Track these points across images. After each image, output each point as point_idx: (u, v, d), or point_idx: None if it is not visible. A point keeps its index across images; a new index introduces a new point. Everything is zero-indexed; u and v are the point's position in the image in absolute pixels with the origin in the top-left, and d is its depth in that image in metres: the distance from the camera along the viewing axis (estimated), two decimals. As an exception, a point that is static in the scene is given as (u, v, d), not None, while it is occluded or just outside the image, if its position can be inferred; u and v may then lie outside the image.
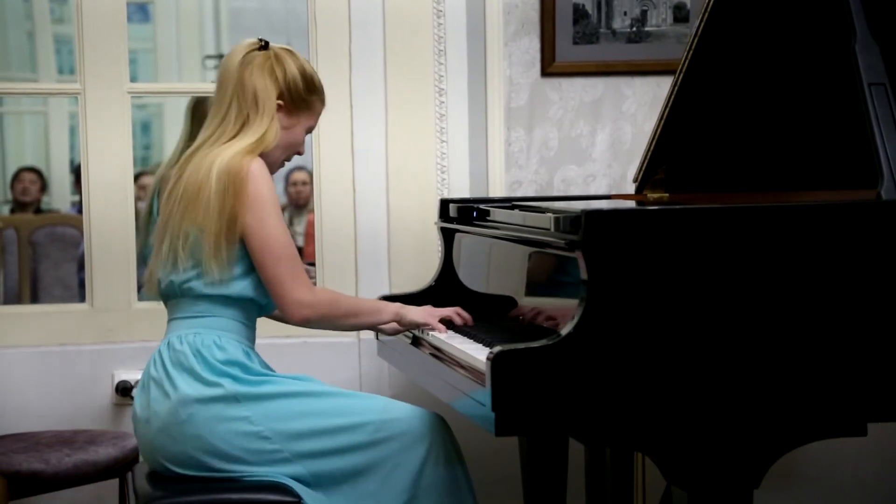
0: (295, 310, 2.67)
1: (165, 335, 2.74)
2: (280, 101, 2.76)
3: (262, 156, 2.72)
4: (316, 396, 2.68)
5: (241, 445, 2.62)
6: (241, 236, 2.65)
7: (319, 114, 2.86)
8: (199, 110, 3.53)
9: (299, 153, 2.87)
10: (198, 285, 2.68)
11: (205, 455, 2.62)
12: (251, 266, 2.68)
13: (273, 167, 2.80)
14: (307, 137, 2.89)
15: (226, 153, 2.66)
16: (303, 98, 2.79)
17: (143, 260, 3.69)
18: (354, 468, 2.64)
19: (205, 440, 2.61)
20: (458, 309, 2.89)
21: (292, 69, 2.77)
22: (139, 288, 3.70)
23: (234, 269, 2.67)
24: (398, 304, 2.86)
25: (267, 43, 2.79)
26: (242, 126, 2.71)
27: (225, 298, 2.69)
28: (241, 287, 2.69)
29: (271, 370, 2.77)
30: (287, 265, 2.65)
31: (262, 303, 2.74)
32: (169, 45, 9.11)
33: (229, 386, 2.63)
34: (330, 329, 2.82)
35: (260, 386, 2.65)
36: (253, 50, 2.77)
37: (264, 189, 2.65)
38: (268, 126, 2.72)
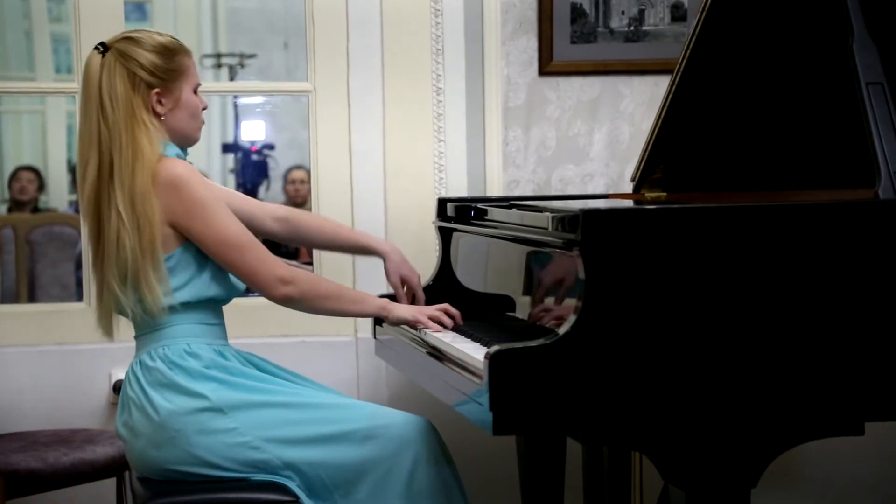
0: (276, 288, 2.63)
1: (136, 353, 2.70)
2: (155, 90, 2.65)
3: (176, 141, 2.69)
4: (304, 406, 2.65)
5: (230, 457, 2.59)
6: (186, 240, 2.62)
7: (194, 67, 2.75)
8: None
9: (204, 109, 2.76)
10: (154, 299, 2.60)
11: (195, 467, 2.59)
12: (199, 266, 2.65)
13: (191, 139, 2.73)
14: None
15: (125, 185, 2.58)
16: (169, 69, 2.67)
17: None
18: (345, 476, 2.61)
19: (194, 454, 2.58)
20: (446, 306, 2.87)
21: (141, 54, 2.64)
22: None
23: (182, 275, 2.63)
24: (385, 300, 2.85)
25: (104, 45, 2.66)
26: (128, 142, 2.60)
27: (184, 305, 2.64)
28: (197, 289, 2.65)
29: (250, 364, 2.74)
30: (252, 253, 2.62)
31: (221, 297, 2.70)
32: (166, 45, 9.09)
33: (213, 396, 2.59)
34: (313, 311, 2.75)
35: (245, 393, 2.62)
36: (99, 62, 2.63)
37: (198, 190, 2.60)
38: (153, 130, 2.63)
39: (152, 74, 2.65)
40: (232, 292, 2.72)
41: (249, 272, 2.63)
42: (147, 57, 2.65)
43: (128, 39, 2.67)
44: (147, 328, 2.67)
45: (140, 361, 2.66)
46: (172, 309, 2.63)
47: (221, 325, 2.75)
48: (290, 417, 2.62)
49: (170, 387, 2.60)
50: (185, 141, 2.73)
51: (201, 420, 2.58)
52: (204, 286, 2.66)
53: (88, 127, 2.64)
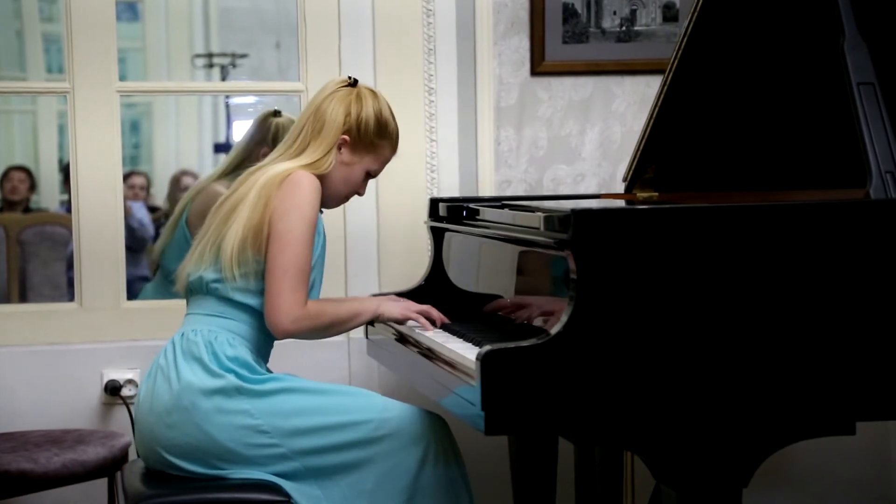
0: (281, 324, 2.68)
1: (181, 327, 2.78)
2: (346, 136, 2.81)
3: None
4: (316, 393, 2.70)
5: (238, 438, 2.63)
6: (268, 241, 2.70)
7: (386, 161, 2.91)
8: (262, 126, 3.68)
9: (359, 194, 2.91)
10: (226, 288, 2.72)
11: (201, 445, 2.64)
12: None
13: (331, 201, 2.86)
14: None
15: (278, 168, 2.75)
16: (371, 139, 2.84)
17: (157, 259, 3.76)
18: (352, 465, 2.65)
19: (203, 429, 2.63)
20: (430, 307, 2.91)
21: (368, 109, 2.83)
22: (129, 287, 3.70)
23: (263, 283, 2.71)
24: (377, 303, 2.89)
25: (356, 81, 2.87)
26: (303, 149, 2.80)
27: (248, 308, 2.73)
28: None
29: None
30: (290, 280, 2.67)
31: None
32: (158, 44, 9.09)
33: (233, 380, 2.65)
34: (311, 339, 2.85)
35: (262, 384, 2.68)
36: (341, 86, 2.85)
37: (307, 204, 2.70)
38: (324, 153, 2.78)
39: (357, 127, 2.82)
40: None
41: (275, 291, 2.67)
42: (369, 113, 2.83)
43: (373, 93, 2.89)
44: (205, 309, 2.75)
45: (183, 333, 2.75)
46: (234, 304, 2.72)
47: (267, 345, 2.82)
48: (303, 405, 2.66)
49: (198, 361, 2.68)
50: (323, 194, 2.81)
51: (217, 399, 2.64)
52: None
53: (298, 123, 2.85)
